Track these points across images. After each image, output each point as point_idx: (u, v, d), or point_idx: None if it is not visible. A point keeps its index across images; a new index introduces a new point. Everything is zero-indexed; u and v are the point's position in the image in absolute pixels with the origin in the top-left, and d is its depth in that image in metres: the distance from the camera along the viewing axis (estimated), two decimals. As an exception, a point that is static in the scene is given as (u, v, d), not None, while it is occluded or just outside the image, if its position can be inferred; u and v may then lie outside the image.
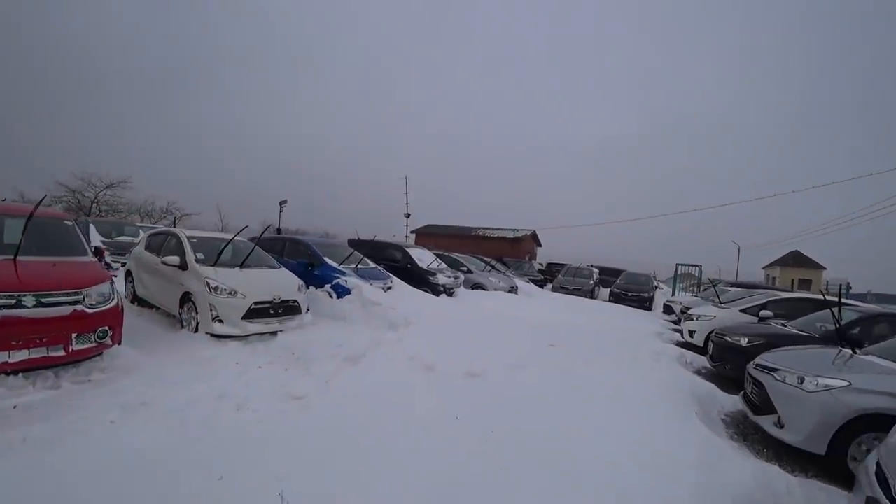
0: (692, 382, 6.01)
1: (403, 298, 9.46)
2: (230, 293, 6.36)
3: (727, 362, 6.63)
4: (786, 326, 6.95)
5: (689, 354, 8.04)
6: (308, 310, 7.62)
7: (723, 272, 31.64)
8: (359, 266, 10.16)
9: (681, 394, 5.37)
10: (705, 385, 6.07)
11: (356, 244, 13.69)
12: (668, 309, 14.63)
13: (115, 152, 57.42)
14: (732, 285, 14.86)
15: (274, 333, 6.60)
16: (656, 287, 19.43)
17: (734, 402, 5.77)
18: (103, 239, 13.87)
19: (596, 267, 22.98)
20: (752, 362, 5.10)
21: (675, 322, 13.41)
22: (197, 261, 7.06)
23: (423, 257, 12.50)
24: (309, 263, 10.10)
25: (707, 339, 8.85)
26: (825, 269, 38.53)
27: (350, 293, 8.89)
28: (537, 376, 5.48)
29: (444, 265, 13.12)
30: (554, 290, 19.24)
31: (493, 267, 16.42)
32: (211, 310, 6.23)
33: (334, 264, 9.89)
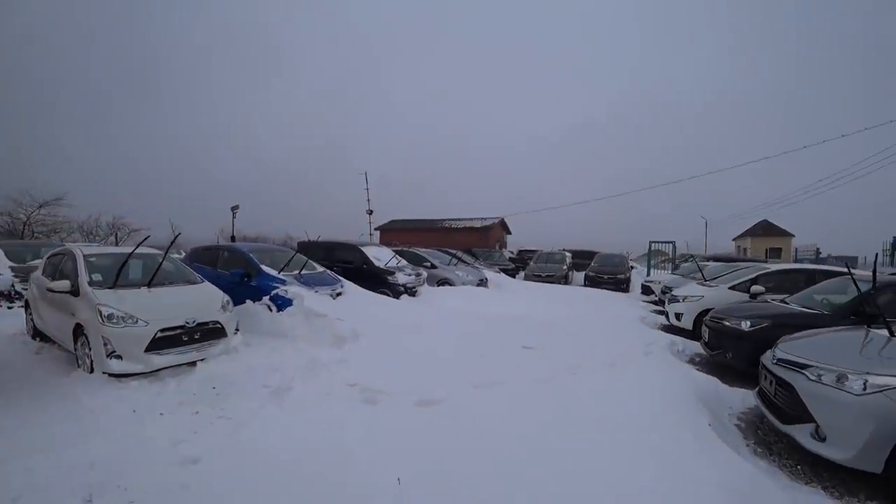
0: (693, 380, 5.06)
1: (355, 305, 8.26)
2: (128, 321, 5.12)
3: (727, 350, 5.71)
4: (787, 304, 6.08)
5: (679, 341, 7.14)
6: (238, 330, 6.38)
7: (691, 247, 31.48)
8: (302, 272, 8.89)
9: (686, 399, 4.38)
10: (707, 381, 5.14)
11: (306, 246, 12.44)
12: (646, 289, 13.84)
13: (50, 170, 53.33)
14: (708, 259, 14.19)
15: (193, 364, 5.38)
16: (632, 267, 18.73)
17: (742, 398, 4.89)
18: (13, 265, 12.06)
19: (568, 251, 22.23)
20: (770, 355, 4.16)
21: (655, 303, 12.63)
22: (92, 283, 5.76)
23: (381, 256, 11.30)
24: (245, 273, 8.81)
25: (697, 321, 8.00)
26: (794, 236, 38.93)
27: (292, 304, 7.70)
28: (511, 397, 4.39)
29: (404, 262, 11.95)
30: (526, 278, 18.33)
31: (459, 259, 15.34)
32: (105, 343, 4.96)
33: (273, 272, 8.63)
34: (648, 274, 18.02)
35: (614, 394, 4.41)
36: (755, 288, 7.65)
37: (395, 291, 10.52)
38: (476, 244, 25.96)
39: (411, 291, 10.73)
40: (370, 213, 30.57)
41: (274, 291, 8.10)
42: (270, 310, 7.81)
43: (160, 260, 6.64)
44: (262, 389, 4.71)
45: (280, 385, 4.75)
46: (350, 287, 9.11)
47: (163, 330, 5.20)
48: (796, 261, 25.81)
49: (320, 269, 9.58)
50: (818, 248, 28.83)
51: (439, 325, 7.72)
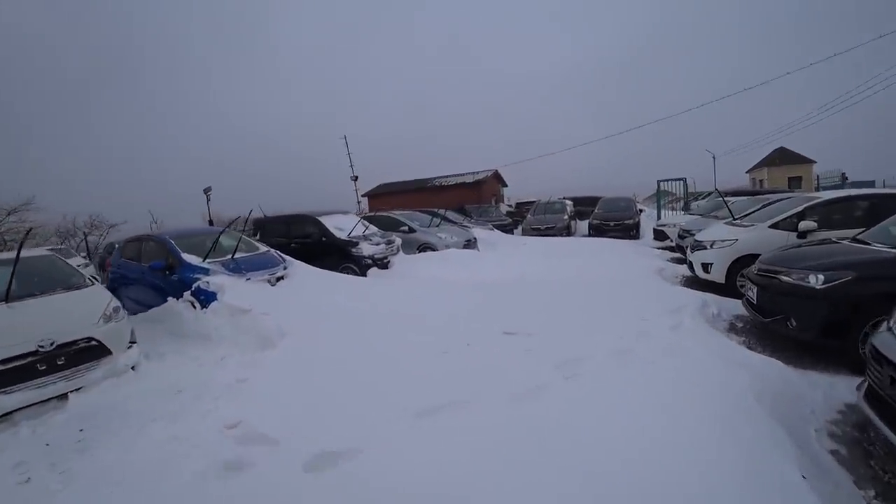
0: (748, 367, 3.39)
1: (300, 291, 6.64)
2: None
3: (791, 315, 4.00)
4: (864, 242, 4.29)
5: (712, 299, 5.45)
6: (133, 343, 4.89)
7: (699, 185, 28.90)
8: (235, 255, 7.21)
9: (746, 414, 2.73)
10: (766, 366, 3.49)
11: (262, 223, 10.79)
12: (659, 235, 12.03)
13: (13, 176, 50.95)
14: (727, 194, 12.18)
15: (64, 396, 4.07)
16: (640, 210, 16.78)
17: (825, 394, 3.26)
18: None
19: (570, 199, 20.31)
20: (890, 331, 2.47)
21: (672, 249, 10.86)
22: None
23: (344, 225, 9.56)
24: (165, 266, 7.19)
25: (731, 271, 6.28)
26: (815, 162, 35.89)
27: (216, 299, 6.20)
28: (466, 437, 2.74)
29: (374, 230, 10.22)
30: (524, 233, 16.58)
31: (443, 219, 13.56)
32: None
33: (195, 260, 6.99)
34: (659, 217, 16.12)
35: (632, 416, 2.75)
36: (805, 224, 5.87)
37: (360, 265, 8.87)
38: (470, 200, 23.98)
39: (382, 263, 9.06)
40: (355, 179, 28.59)
41: (195, 284, 6.55)
42: (194, 307, 6.33)
43: (14, 267, 5.03)
44: (151, 425, 3.42)
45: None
46: (298, 268, 7.45)
47: (3, 361, 3.82)
48: (818, 189, 23.72)
49: (263, 248, 7.90)
50: (844, 174, 26.25)
51: (399, 305, 6.08)
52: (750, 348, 4.15)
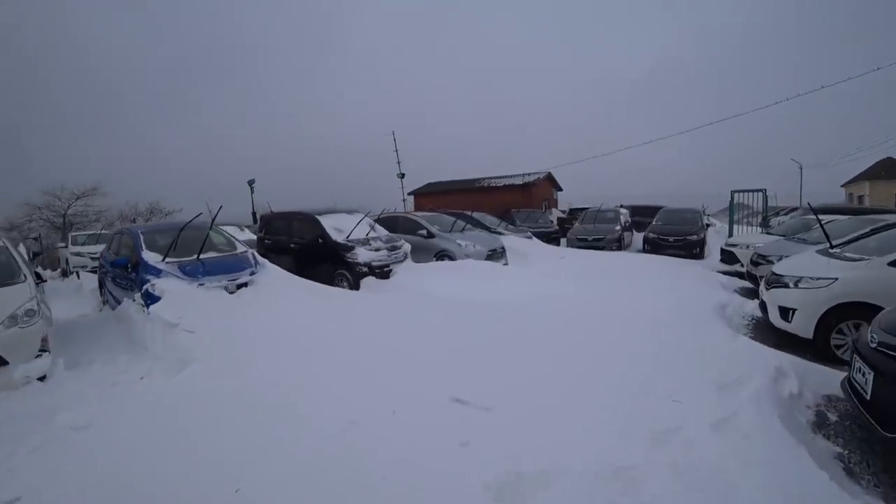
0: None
1: (251, 303, 5.54)
2: None
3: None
4: None
5: (790, 366, 3.66)
6: (44, 351, 4.34)
7: (780, 197, 24.65)
8: (203, 255, 6.26)
9: None
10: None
11: (268, 220, 10.01)
12: (728, 256, 9.84)
13: (82, 163, 54.83)
14: (819, 210, 9.63)
15: None
16: (707, 225, 14.36)
17: None
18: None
19: (627, 207, 18.14)
20: None
21: (741, 276, 8.76)
22: None
23: (344, 225, 8.39)
24: (129, 262, 6.44)
25: (822, 323, 4.42)
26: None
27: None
28: None
29: (381, 232, 8.99)
30: (569, 244, 14.74)
31: (472, 223, 12.09)
32: None
33: (154, 259, 6.12)
34: (731, 234, 13.68)
35: None
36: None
37: (354, 273, 7.66)
38: (518, 203, 22.21)
39: (380, 272, 7.81)
40: (402, 176, 27.72)
41: (145, 286, 5.70)
42: (145, 310, 5.53)
43: None
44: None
45: None
46: (267, 275, 6.39)
47: None
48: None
49: (241, 248, 6.91)
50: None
51: (366, 332, 4.77)
52: (856, 474, 2.45)
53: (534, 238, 13.80)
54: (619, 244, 13.91)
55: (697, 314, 5.63)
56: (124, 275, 6.51)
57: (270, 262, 9.18)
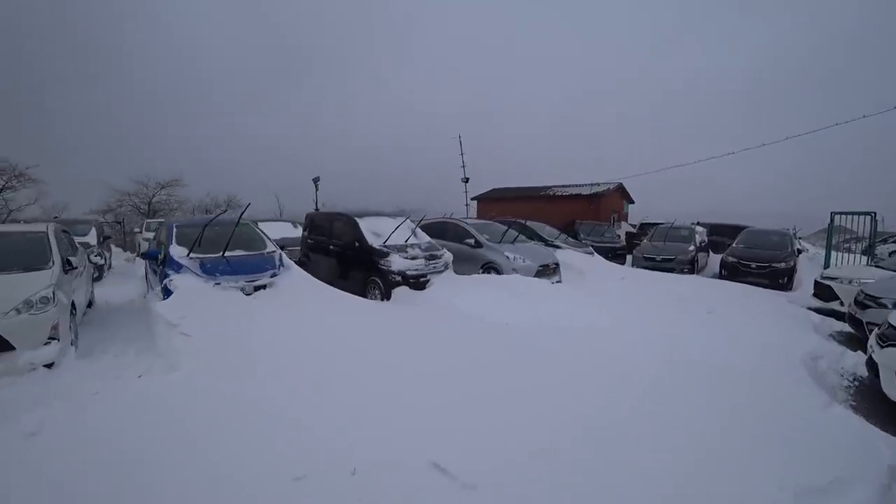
0: None
1: (265, 307, 5.22)
2: None
3: None
4: None
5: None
6: (53, 339, 4.30)
7: (890, 223, 20.55)
8: (228, 253, 6.08)
9: None
10: None
11: (312, 219, 9.86)
12: (823, 291, 8.27)
13: (166, 153, 59.19)
14: None
15: None
16: (799, 251, 12.46)
17: None
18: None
19: (703, 224, 16.43)
20: None
21: (839, 316, 7.30)
22: None
23: (384, 230, 7.97)
24: (161, 254, 6.43)
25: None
26: None
27: None
28: None
29: (422, 239, 8.48)
30: (634, 262, 13.47)
31: (524, 233, 11.26)
32: None
33: (179, 254, 6.04)
34: (827, 263, 11.77)
35: None
36: None
37: (386, 281, 7.20)
38: (585, 215, 20.88)
39: (416, 282, 7.29)
40: (466, 181, 27.30)
41: (165, 280, 5.58)
42: None
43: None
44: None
45: None
46: (288, 278, 6.09)
47: None
48: None
49: (270, 248, 6.68)
50: None
51: (375, 352, 4.23)
52: None
53: (595, 254, 12.73)
54: (691, 266, 12.48)
55: (782, 366, 4.54)
56: (154, 266, 6.53)
57: (311, 262, 9.07)
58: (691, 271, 12.33)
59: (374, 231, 7.94)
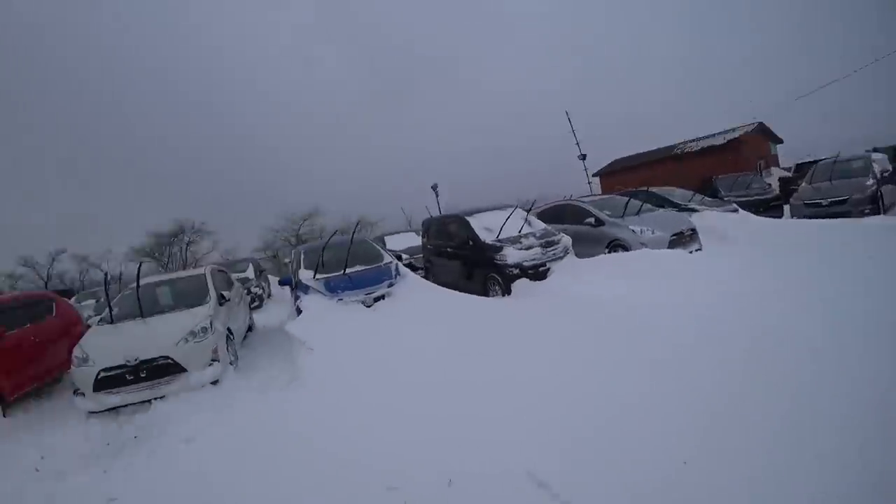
0: None
1: (382, 319, 5.47)
2: (87, 361, 4.90)
3: None
4: None
5: None
6: (215, 361, 5.14)
7: None
8: (349, 270, 6.47)
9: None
10: None
11: (429, 224, 10.13)
12: None
13: (308, 187, 64.61)
14: None
15: (150, 402, 4.77)
16: None
17: None
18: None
19: (882, 150, 13.36)
20: None
21: None
22: (102, 317, 5.97)
23: (495, 224, 7.82)
24: (294, 279, 7.11)
25: None
26: None
27: None
28: None
29: (537, 226, 8.13)
30: (793, 212, 11.41)
31: (649, 201, 10.16)
32: (72, 382, 5.00)
33: (307, 276, 6.62)
34: None
35: None
36: None
37: (504, 276, 7.04)
38: (721, 168, 18.27)
39: (535, 272, 7.01)
40: (583, 158, 25.90)
41: (297, 302, 6.19)
42: None
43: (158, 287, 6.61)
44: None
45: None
46: (405, 285, 6.29)
47: (105, 370, 4.77)
48: None
49: (387, 259, 6.98)
50: None
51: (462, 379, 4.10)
52: None
53: (740, 211, 11.09)
54: (873, 206, 10.11)
55: None
56: (291, 291, 7.22)
57: (434, 266, 9.28)
58: (874, 212, 10.00)
59: (486, 227, 7.86)
